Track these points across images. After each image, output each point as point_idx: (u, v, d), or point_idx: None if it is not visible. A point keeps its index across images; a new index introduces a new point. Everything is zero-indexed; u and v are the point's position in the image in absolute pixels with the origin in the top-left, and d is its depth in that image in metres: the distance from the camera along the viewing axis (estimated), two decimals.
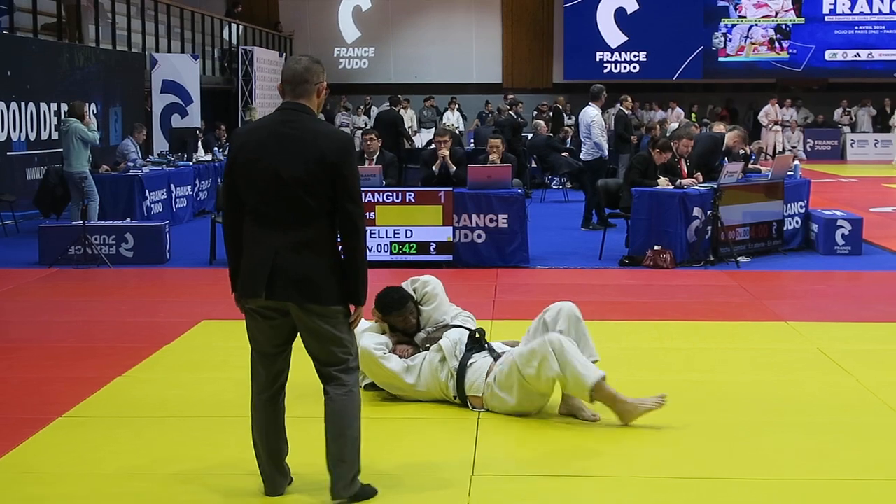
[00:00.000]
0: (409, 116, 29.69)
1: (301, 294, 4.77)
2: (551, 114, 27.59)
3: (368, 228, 11.91)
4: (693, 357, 8.02)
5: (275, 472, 5.11)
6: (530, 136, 22.82)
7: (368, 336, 6.71)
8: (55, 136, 17.78)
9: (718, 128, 14.48)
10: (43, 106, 18.00)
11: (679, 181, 12.48)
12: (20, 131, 17.24)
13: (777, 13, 34.03)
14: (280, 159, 4.73)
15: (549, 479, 5.38)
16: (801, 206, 13.69)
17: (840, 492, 5.27)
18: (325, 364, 4.93)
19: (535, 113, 27.39)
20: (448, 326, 6.73)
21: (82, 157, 14.35)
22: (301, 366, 5.35)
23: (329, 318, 4.84)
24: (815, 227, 13.52)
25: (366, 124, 29.62)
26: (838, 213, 13.68)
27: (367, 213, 11.87)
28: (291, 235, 4.75)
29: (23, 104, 17.31)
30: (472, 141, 24.58)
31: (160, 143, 21.64)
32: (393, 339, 6.77)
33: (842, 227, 13.13)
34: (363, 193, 12.26)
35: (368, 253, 11.81)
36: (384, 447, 5.84)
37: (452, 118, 30.32)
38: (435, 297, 6.87)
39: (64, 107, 17.73)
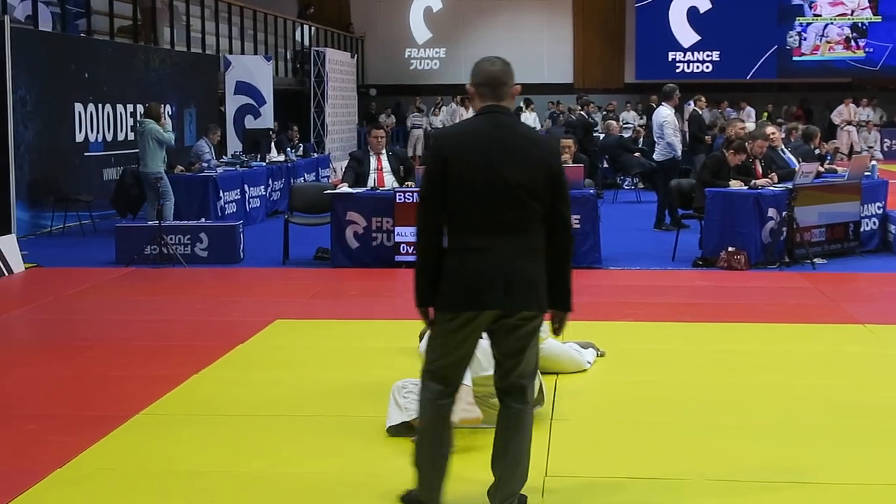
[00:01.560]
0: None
1: (529, 302, 4.61)
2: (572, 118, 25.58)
3: None
4: (767, 360, 7.93)
5: (441, 486, 4.78)
6: (602, 136, 22.73)
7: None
8: (131, 137, 18.03)
9: (770, 129, 14.27)
10: (119, 107, 18.25)
11: (753, 181, 12.36)
12: (97, 132, 17.50)
13: (853, 11, 33.56)
14: (506, 165, 4.52)
15: (622, 481, 5.35)
16: (879, 207, 13.48)
17: None
18: (521, 375, 4.72)
19: (605, 113, 27.30)
20: None
21: (158, 157, 14.54)
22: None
23: (538, 325, 4.72)
24: (893, 228, 13.31)
25: (443, 124, 29.69)
26: None
27: None
28: (514, 242, 4.57)
29: (100, 106, 17.57)
30: None
31: (234, 144, 21.85)
32: None
33: None
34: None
35: None
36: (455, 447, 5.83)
37: (529, 119, 30.30)
38: None
39: (139, 108, 18.00)
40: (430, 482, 4.74)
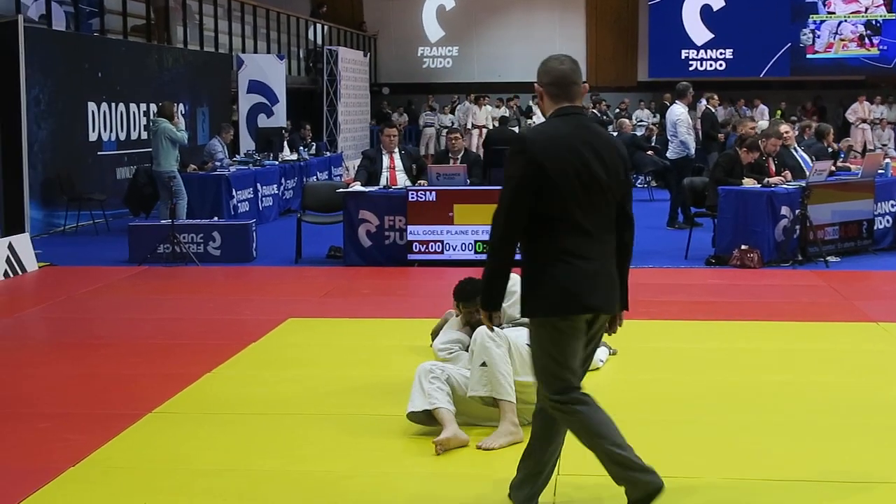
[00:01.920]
0: (486, 114, 29.74)
1: (620, 302, 4.64)
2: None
3: (452, 227, 11.94)
4: (780, 358, 7.91)
5: (641, 464, 4.67)
6: (615, 134, 22.71)
7: (444, 332, 6.77)
8: (144, 136, 18.09)
9: (784, 127, 14.23)
10: (132, 106, 18.30)
11: (766, 180, 12.34)
12: (110, 131, 17.54)
13: (867, 9, 33.43)
14: (597, 166, 4.49)
15: None
16: (893, 205, 13.44)
17: None
18: (584, 372, 4.72)
19: (617, 111, 27.28)
20: (521, 325, 6.69)
21: (171, 156, 14.57)
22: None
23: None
24: None
25: (452, 123, 29.71)
26: None
27: (448, 212, 11.97)
28: (607, 243, 4.56)
29: (113, 105, 17.61)
30: None
31: (246, 143, 21.89)
32: (467, 331, 6.74)
33: None
34: (448, 193, 12.35)
35: (453, 251, 11.93)
36: (465, 448, 5.83)
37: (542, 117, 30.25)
38: (513, 293, 6.77)
39: (153, 107, 18.04)
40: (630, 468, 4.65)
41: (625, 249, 4.65)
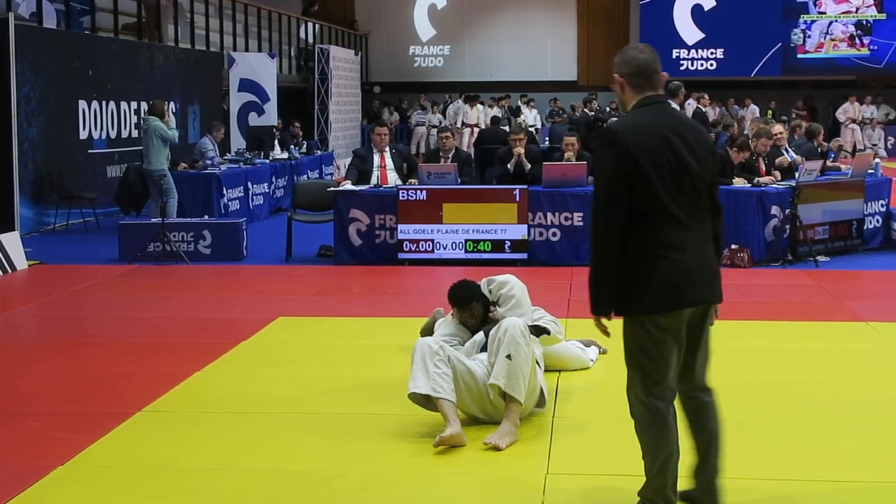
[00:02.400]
0: (478, 113, 29.77)
1: (720, 292, 4.60)
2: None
3: (442, 226, 11.95)
4: (770, 357, 7.93)
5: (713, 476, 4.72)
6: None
7: (443, 327, 6.79)
8: (135, 134, 18.05)
9: (777, 128, 14.25)
10: (123, 105, 18.26)
11: (757, 179, 12.36)
12: (101, 130, 17.50)
13: (858, 9, 33.50)
14: (688, 155, 4.43)
15: (623, 479, 5.34)
16: (882, 205, 13.47)
17: None
18: (704, 367, 4.68)
19: (608, 110, 27.26)
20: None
21: (161, 155, 14.55)
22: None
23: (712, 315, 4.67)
24: (895, 225, 13.32)
25: (440, 122, 29.72)
26: None
27: (438, 211, 11.98)
28: (703, 234, 4.51)
29: (104, 103, 17.57)
30: (548, 139, 24.52)
31: (237, 142, 21.86)
32: (463, 328, 6.76)
33: None
34: (438, 191, 12.35)
35: (443, 250, 11.93)
36: (457, 447, 5.84)
37: (530, 116, 30.30)
38: (511, 298, 6.76)
39: (144, 105, 18.01)
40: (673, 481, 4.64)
41: (717, 238, 4.62)
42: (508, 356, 5.90)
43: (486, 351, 6.24)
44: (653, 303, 4.41)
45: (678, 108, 12.44)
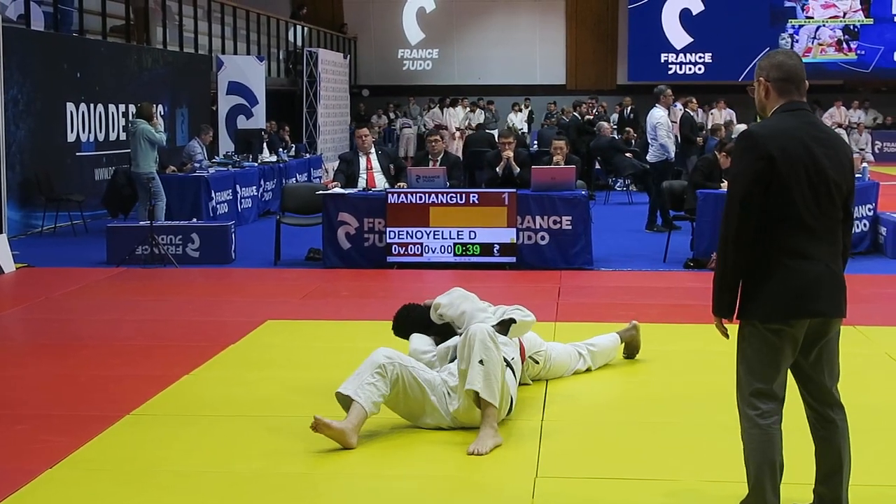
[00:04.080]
0: (460, 116, 29.81)
1: (844, 307, 4.52)
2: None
3: (430, 230, 11.95)
4: None
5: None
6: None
7: (417, 339, 6.85)
8: (123, 137, 18.03)
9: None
10: (111, 107, 18.24)
11: None
12: (89, 132, 17.47)
13: (845, 13, 33.61)
14: (827, 164, 4.36)
15: (613, 483, 5.36)
16: (870, 209, 13.51)
17: None
18: (833, 383, 4.62)
19: (596, 114, 27.33)
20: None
21: (149, 158, 14.52)
22: None
23: (839, 330, 4.62)
24: (883, 230, 13.34)
25: (412, 125, 29.88)
26: None
27: (427, 214, 11.97)
28: (833, 244, 4.44)
29: (92, 105, 17.55)
30: (536, 142, 24.55)
31: (226, 145, 21.83)
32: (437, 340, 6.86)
33: None
34: (427, 195, 12.35)
35: (432, 254, 11.94)
36: (446, 450, 5.84)
37: (516, 120, 30.32)
38: (461, 315, 6.65)
39: (132, 108, 17.98)
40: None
41: (845, 251, 4.56)
42: (481, 361, 5.87)
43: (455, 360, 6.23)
44: (774, 309, 4.37)
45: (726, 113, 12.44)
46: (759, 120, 4.63)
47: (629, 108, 26.15)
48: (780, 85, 4.49)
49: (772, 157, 4.30)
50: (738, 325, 4.54)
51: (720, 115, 28.08)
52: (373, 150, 13.09)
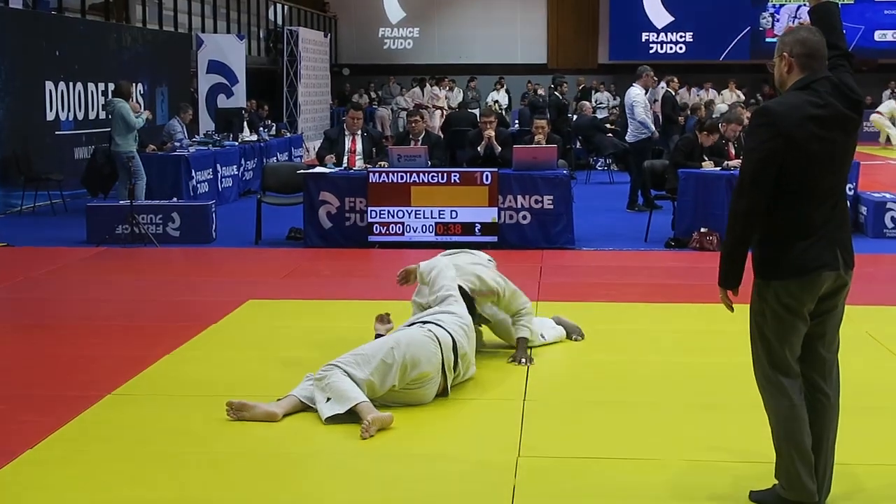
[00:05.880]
0: (441, 95, 29.81)
1: (852, 260, 4.62)
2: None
3: (412, 209, 11.93)
4: (740, 340, 7.88)
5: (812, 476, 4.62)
6: (574, 117, 22.75)
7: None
8: (103, 115, 17.91)
9: (747, 113, 14.31)
10: (91, 86, 18.13)
11: (726, 163, 12.40)
12: (68, 111, 17.37)
13: None
14: (843, 135, 4.47)
15: (595, 462, 5.37)
16: (850, 189, 13.53)
17: (887, 476, 5.22)
18: (835, 349, 4.73)
19: (578, 93, 27.35)
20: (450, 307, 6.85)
21: (129, 137, 14.45)
22: None
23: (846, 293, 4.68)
24: (863, 209, 13.40)
25: (396, 105, 29.86)
26: (888, 195, 13.54)
27: (408, 194, 11.96)
28: (842, 210, 4.56)
29: (71, 84, 17.43)
30: (517, 122, 24.51)
31: (206, 123, 21.74)
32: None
33: (891, 209, 13.03)
34: (408, 174, 12.32)
35: (413, 233, 11.92)
36: (430, 430, 5.84)
37: (500, 97, 30.30)
38: (437, 279, 7.06)
39: (111, 87, 17.85)
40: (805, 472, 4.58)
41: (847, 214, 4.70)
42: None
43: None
44: (793, 268, 4.47)
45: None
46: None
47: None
48: (804, 61, 4.51)
49: (787, 134, 4.38)
50: (753, 290, 4.68)
51: (707, 94, 28.29)
52: (359, 131, 13.06)
